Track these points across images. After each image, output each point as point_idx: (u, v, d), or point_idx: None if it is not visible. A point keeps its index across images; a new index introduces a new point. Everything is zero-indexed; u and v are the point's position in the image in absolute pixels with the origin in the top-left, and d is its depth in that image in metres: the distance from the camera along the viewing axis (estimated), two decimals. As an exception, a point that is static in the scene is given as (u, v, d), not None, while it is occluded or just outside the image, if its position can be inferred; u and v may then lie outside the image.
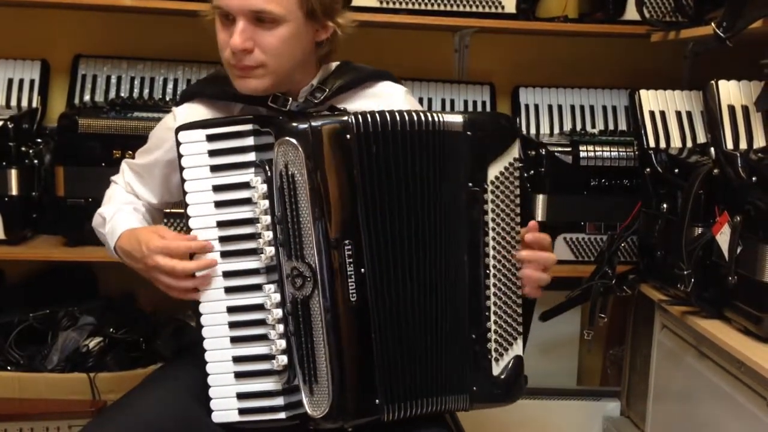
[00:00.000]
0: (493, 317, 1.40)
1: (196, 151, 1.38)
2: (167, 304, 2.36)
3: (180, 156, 1.38)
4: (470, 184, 1.36)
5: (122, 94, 2.39)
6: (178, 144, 1.38)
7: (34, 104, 2.36)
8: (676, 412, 2.02)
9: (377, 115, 1.35)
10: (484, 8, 2.29)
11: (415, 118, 1.36)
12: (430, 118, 1.37)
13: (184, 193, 1.39)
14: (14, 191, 2.11)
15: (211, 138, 1.37)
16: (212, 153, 1.37)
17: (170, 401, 1.41)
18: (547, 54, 2.61)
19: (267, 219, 1.34)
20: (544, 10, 2.43)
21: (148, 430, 1.35)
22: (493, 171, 1.37)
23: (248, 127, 1.36)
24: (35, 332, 2.15)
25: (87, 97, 2.39)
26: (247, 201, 1.36)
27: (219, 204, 1.37)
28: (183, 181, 1.38)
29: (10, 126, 2.09)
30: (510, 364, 1.42)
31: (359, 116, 1.33)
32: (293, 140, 1.29)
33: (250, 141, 1.36)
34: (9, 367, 2.08)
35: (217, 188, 1.37)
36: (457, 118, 1.37)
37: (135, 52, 2.44)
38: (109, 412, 1.46)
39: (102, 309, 2.23)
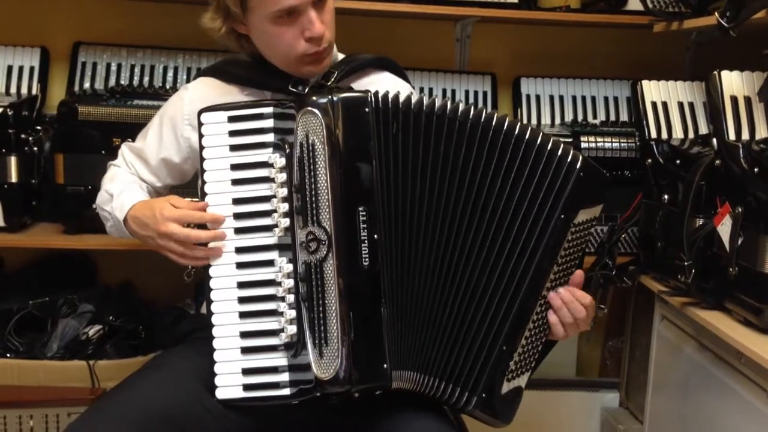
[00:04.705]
0: (523, 341, 1.42)
1: (217, 131, 1.43)
2: (166, 293, 2.37)
3: (201, 136, 1.43)
4: (562, 216, 1.39)
5: (122, 82, 2.38)
6: (200, 125, 1.43)
7: (34, 91, 2.35)
8: (675, 404, 2.02)
9: (393, 95, 1.39)
10: (486, -3, 2.28)
11: (446, 106, 1.39)
12: (488, 118, 1.39)
13: (203, 171, 1.43)
14: (14, 178, 2.09)
15: (232, 119, 1.42)
16: (232, 133, 1.42)
17: (171, 384, 1.41)
18: (549, 44, 2.59)
19: (283, 191, 1.38)
20: (546, -1, 2.43)
21: (150, 414, 1.35)
22: (581, 216, 1.41)
23: (269, 110, 1.41)
24: (34, 320, 2.14)
25: (87, 85, 2.38)
26: (263, 179, 1.40)
27: (236, 182, 1.42)
28: (202, 160, 1.43)
29: (9, 113, 2.07)
30: (513, 391, 1.44)
31: (377, 94, 1.39)
32: (315, 110, 1.35)
33: (269, 123, 1.41)
34: (8, 355, 2.08)
35: (235, 167, 1.42)
36: (577, 156, 1.39)
37: (135, 40, 2.43)
38: (109, 396, 1.44)
39: (101, 297, 2.22)
